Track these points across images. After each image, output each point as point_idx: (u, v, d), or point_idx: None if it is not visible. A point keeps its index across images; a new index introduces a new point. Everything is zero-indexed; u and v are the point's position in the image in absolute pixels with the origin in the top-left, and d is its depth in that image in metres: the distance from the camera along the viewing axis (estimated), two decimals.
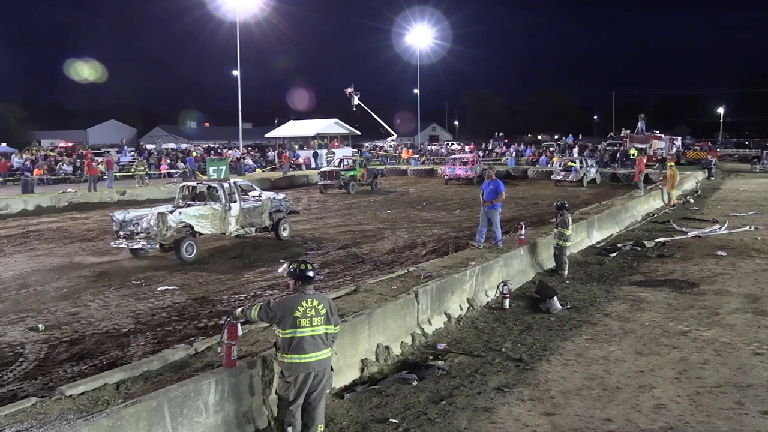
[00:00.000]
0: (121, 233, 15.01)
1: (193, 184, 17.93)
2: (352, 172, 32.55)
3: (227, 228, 16.29)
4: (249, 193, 17.81)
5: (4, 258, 15.70)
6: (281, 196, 18.65)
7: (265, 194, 18.19)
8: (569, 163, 36.35)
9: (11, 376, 7.80)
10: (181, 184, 18.16)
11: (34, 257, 15.74)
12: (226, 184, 16.59)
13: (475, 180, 33.81)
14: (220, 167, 18.28)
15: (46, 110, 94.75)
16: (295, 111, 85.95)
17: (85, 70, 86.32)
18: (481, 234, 13.74)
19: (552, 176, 36.17)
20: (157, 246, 14.83)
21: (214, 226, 15.89)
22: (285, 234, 17.71)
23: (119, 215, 15.25)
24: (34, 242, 18.01)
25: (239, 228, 16.64)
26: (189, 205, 16.20)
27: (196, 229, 15.34)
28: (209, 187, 16.85)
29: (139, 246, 14.89)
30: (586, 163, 36.48)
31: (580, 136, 70.85)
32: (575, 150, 52.95)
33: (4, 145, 51.71)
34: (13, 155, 44.15)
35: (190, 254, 14.81)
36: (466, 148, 65.35)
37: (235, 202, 16.48)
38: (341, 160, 37.06)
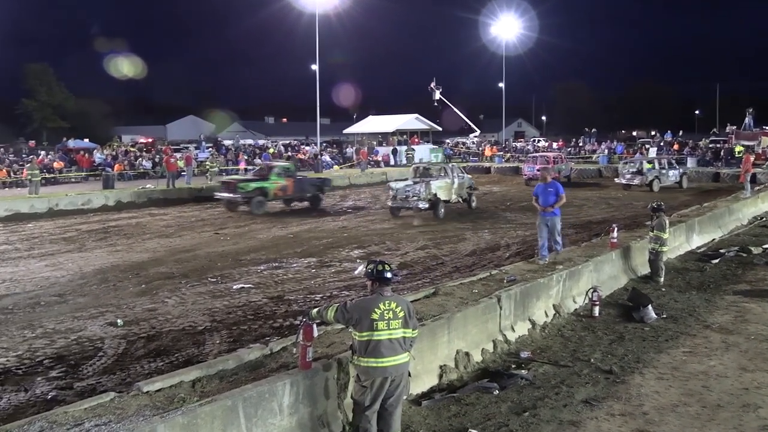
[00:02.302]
0: (398, 197, 21.99)
1: (424, 165, 26.11)
2: (258, 184, 24.19)
3: (451, 196, 22.91)
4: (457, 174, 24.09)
5: (85, 252, 16.50)
6: (470, 176, 25.76)
7: (465, 175, 24.98)
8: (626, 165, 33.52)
9: (90, 371, 8.19)
10: (414, 166, 26.76)
11: (114, 252, 16.47)
12: (450, 165, 24.74)
13: (560, 180, 32.24)
14: (437, 154, 33.97)
15: (127, 106, 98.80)
16: (374, 105, 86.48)
17: (143, 67, 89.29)
18: (544, 248, 12.70)
19: (617, 180, 32.85)
20: (427, 205, 21.52)
21: (446, 194, 22.56)
22: (474, 204, 24.55)
23: (393, 185, 22.65)
24: (114, 237, 18.85)
25: (455, 197, 23.18)
26: (433, 180, 22.71)
27: (438, 195, 21.99)
28: (436, 168, 24.76)
29: (413, 206, 21.59)
30: (660, 164, 32.55)
31: (681, 132, 68.27)
32: (652, 149, 49.94)
33: (86, 140, 54.26)
34: (95, 151, 46.28)
35: (442, 215, 21.90)
36: (554, 144, 64.19)
37: (455, 178, 23.26)
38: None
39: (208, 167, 37.83)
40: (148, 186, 30.73)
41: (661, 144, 56.51)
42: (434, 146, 56.11)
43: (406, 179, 24.17)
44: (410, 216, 22.42)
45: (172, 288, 12.52)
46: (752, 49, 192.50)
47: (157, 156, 43.29)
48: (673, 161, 35.03)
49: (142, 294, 12.08)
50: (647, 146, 53.80)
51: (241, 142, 62.43)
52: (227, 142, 62.08)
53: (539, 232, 12.94)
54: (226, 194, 24.42)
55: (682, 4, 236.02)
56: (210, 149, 52.72)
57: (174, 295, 11.94)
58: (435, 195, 21.93)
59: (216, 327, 9.97)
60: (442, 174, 23.72)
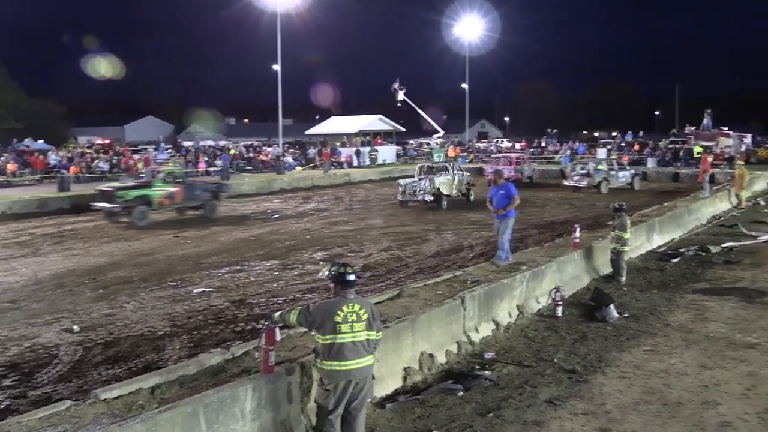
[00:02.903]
0: (406, 192, 25.08)
1: (429, 164, 28.96)
2: (140, 192, 21.99)
3: (452, 191, 25.87)
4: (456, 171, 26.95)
5: (40, 257, 16.18)
6: (468, 174, 28.13)
7: (464, 173, 27.59)
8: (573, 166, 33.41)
9: (46, 379, 8.03)
10: (419, 165, 29.40)
11: (70, 256, 16.18)
12: (451, 164, 28.59)
13: (522, 181, 32.44)
14: (440, 153, 35.87)
15: (83, 106, 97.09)
16: (326, 108, 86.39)
17: (117, 66, 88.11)
18: (503, 248, 12.37)
19: (566, 182, 32.34)
20: (431, 198, 24.51)
21: (448, 189, 25.48)
22: (472, 198, 26.72)
23: (402, 182, 25.89)
24: (70, 241, 18.51)
25: (455, 191, 26.10)
26: (436, 176, 25.60)
27: (441, 190, 24.95)
28: (439, 166, 27.78)
29: (419, 199, 24.72)
30: (609, 166, 32.10)
31: (641, 133, 69.50)
32: (601, 151, 49.22)
33: (41, 142, 53.15)
34: (50, 152, 45.37)
35: (445, 206, 24.59)
36: (517, 145, 64.83)
37: (455, 175, 26.35)
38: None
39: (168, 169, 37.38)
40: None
41: (622, 144, 57.52)
42: (399, 147, 56.35)
43: (412, 176, 27.20)
44: (374, 217, 22.54)
45: (131, 292, 12.34)
46: (712, 52, 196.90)
47: (115, 157, 42.62)
48: (624, 163, 35.30)
49: (99, 299, 11.89)
50: (608, 147, 54.60)
51: (202, 143, 61.76)
52: (187, 143, 61.44)
53: (497, 233, 12.73)
54: (103, 204, 21.88)
55: (644, 6, 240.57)
56: (169, 150, 52.11)
57: (133, 300, 11.77)
58: (438, 189, 25.01)
59: (176, 332, 9.86)
60: (444, 171, 26.71)
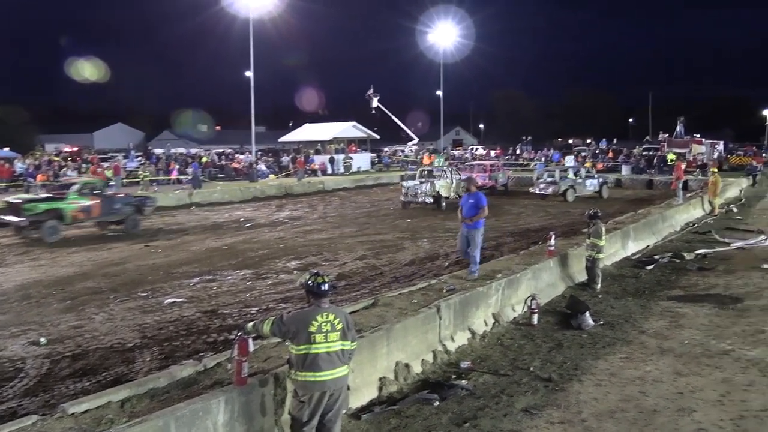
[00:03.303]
0: (409, 194, 27.28)
1: (429, 168, 31.82)
2: (51, 205, 20.20)
3: (450, 193, 27.65)
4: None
5: (5, 268, 15.91)
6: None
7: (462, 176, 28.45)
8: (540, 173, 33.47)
9: (11, 393, 7.88)
10: (420, 168, 32.84)
11: (37, 267, 15.93)
12: (449, 169, 31.14)
13: (496, 189, 32.77)
14: (440, 159, 42.21)
15: (50, 113, 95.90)
16: (310, 114, 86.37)
17: (90, 71, 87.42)
18: (464, 253, 12.18)
19: (532, 189, 32.04)
20: (431, 199, 26.69)
21: (446, 191, 27.51)
22: None
23: (405, 184, 28.26)
24: (36, 251, 18.22)
25: (453, 194, 27.42)
26: (436, 180, 27.82)
27: (440, 192, 27.14)
28: (438, 170, 30.11)
29: (421, 200, 26.78)
30: (576, 174, 31.86)
31: (615, 140, 70.34)
32: (569, 158, 49.46)
33: (6, 149, 52.47)
34: (16, 160, 44.74)
35: (444, 207, 26.29)
36: (492, 152, 65.25)
37: (453, 179, 28.38)
38: None
39: (140, 176, 37.05)
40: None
41: (597, 152, 58.11)
42: (373, 154, 56.45)
43: (414, 179, 29.14)
44: (349, 225, 22.53)
45: (100, 303, 12.17)
46: (684, 60, 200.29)
47: (83, 165, 42.13)
48: (593, 170, 35.26)
49: (67, 310, 11.70)
50: (582, 154, 55.14)
51: (173, 150, 61.32)
52: (158, 151, 60.97)
53: (459, 243, 12.36)
54: (10, 218, 19.96)
55: (618, 14, 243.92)
56: (140, 158, 51.65)
57: (102, 311, 11.60)
58: (438, 192, 27.20)
59: (146, 344, 9.74)
60: (444, 175, 28.94)
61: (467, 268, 11.83)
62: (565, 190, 30.36)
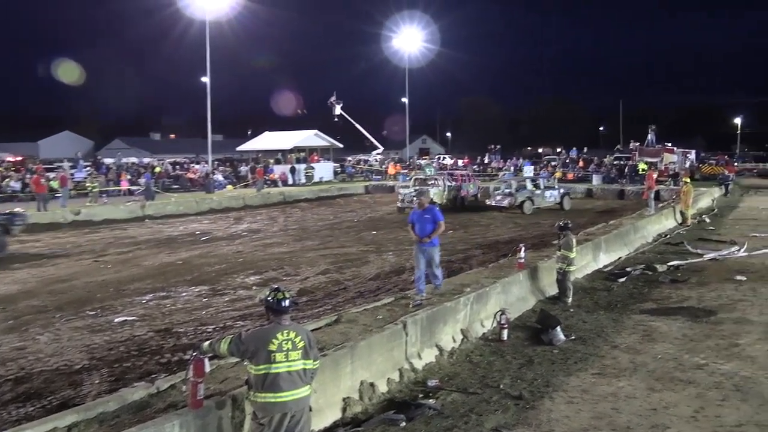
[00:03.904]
0: (405, 200, 29.22)
1: (422, 176, 34.04)
2: None
3: (443, 200, 30.28)
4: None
5: None
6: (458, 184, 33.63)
7: (453, 184, 33.01)
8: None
9: None
10: (413, 177, 35.55)
11: None
12: (442, 177, 33.66)
13: (465, 200, 33.02)
14: (431, 167, 40.44)
15: None
16: (271, 121, 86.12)
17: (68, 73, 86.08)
18: (421, 280, 11.59)
19: (488, 201, 31.80)
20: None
21: (439, 198, 29.84)
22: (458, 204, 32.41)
23: (401, 191, 31.45)
24: None
25: (445, 200, 30.72)
26: (430, 188, 29.32)
27: (434, 199, 25.61)
28: (432, 178, 33.32)
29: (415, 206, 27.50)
30: (535, 184, 31.48)
31: (585, 149, 71.38)
32: (527, 168, 49.69)
33: None
34: None
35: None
36: (460, 161, 65.72)
37: (446, 186, 31.96)
38: None
39: (89, 188, 36.51)
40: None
41: (567, 161, 58.87)
42: (336, 164, 56.46)
43: (408, 187, 31.79)
44: (311, 238, 22.52)
45: (45, 323, 11.95)
46: (655, 68, 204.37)
47: (28, 176, 41.39)
48: (554, 180, 35.30)
49: (9, 330, 11.47)
50: (552, 163, 55.81)
51: (124, 160, 60.61)
52: (108, 161, 60.19)
53: (416, 263, 11.73)
54: None
55: (584, 20, 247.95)
56: (88, 168, 50.92)
57: (47, 331, 11.39)
58: (431, 199, 26.12)
59: (95, 365, 9.58)
60: (436, 183, 32.03)
61: (432, 283, 11.69)
62: (522, 202, 30.16)
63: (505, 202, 30.49)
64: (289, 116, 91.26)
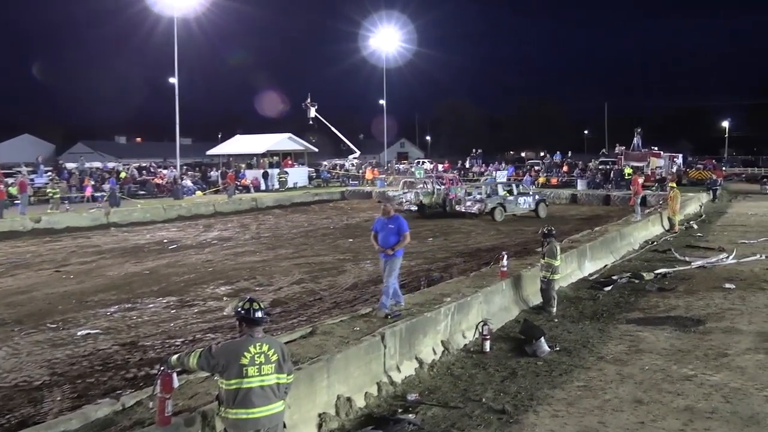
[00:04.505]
0: (395, 202, 30.30)
1: (411, 180, 37.84)
2: None
3: (432, 202, 32.27)
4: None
5: None
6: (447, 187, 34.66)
7: (443, 187, 34.17)
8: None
9: None
10: (402, 180, 38.73)
11: None
12: (432, 179, 35.86)
13: (454, 204, 32.55)
14: (420, 170, 45.16)
15: None
16: (243, 124, 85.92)
17: None
18: (396, 294, 11.25)
19: (457, 207, 31.44)
20: (416, 207, 31.80)
21: (429, 200, 32.25)
22: (448, 208, 32.16)
23: (392, 194, 34.26)
24: None
25: (434, 203, 32.31)
26: (420, 190, 32.86)
27: (423, 201, 32.09)
28: (421, 181, 36.22)
29: (405, 208, 30.54)
30: (507, 190, 31.53)
31: (570, 153, 71.90)
32: (500, 173, 48.90)
33: None
34: None
35: (427, 214, 31.68)
36: (440, 166, 65.87)
37: (435, 189, 33.23)
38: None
39: (50, 194, 36.11)
40: None
41: (551, 165, 59.20)
42: (311, 169, 56.41)
43: (398, 190, 34.93)
44: (285, 246, 22.45)
45: (3, 337, 11.81)
46: (640, 70, 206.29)
47: None
48: (529, 186, 35.47)
49: None
50: (536, 168, 56.07)
51: (87, 165, 60.05)
52: (70, 165, 59.60)
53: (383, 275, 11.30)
54: None
55: (568, 20, 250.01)
56: (49, 173, 50.38)
57: (5, 346, 11.27)
58: (421, 201, 32.08)
59: (56, 381, 9.49)
60: (426, 187, 33.72)
61: (380, 301, 11.01)
62: (493, 209, 30.00)
63: (475, 209, 30.36)
64: (263, 118, 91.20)
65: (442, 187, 34.15)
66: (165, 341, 11.45)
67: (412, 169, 51.67)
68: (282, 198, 42.13)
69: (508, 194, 31.20)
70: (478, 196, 31.25)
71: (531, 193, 32.93)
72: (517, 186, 33.41)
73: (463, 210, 30.87)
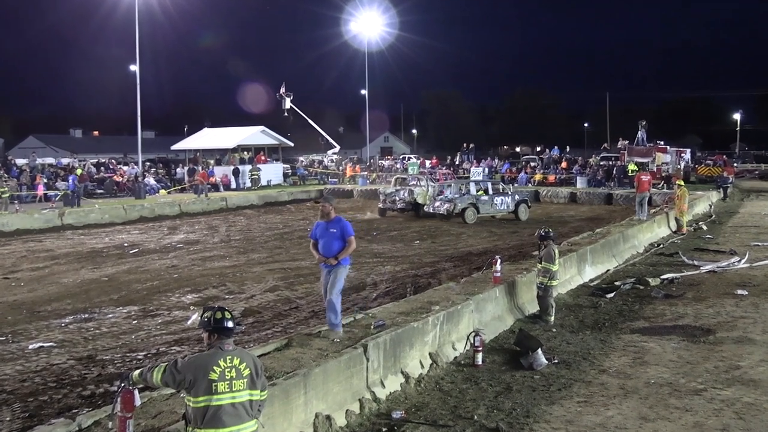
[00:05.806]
0: (387, 201, 33.10)
1: (403, 176, 38.44)
2: None
3: (426, 200, 31.75)
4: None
5: None
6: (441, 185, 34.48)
7: (435, 185, 34.03)
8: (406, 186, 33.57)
9: None
10: (395, 177, 38.97)
11: None
12: (425, 177, 36.61)
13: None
14: (414, 166, 50.91)
15: None
16: (211, 116, 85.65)
17: None
18: (334, 309, 10.16)
19: (426, 207, 31.19)
20: (410, 207, 32.18)
21: (423, 199, 31.93)
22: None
23: (383, 191, 36.18)
24: None
25: (428, 201, 31.60)
26: (413, 188, 33.00)
27: (417, 200, 32.12)
28: (414, 178, 36.57)
29: (399, 207, 32.44)
30: (482, 189, 31.25)
31: (568, 148, 72.15)
32: (476, 170, 48.16)
33: None
34: None
35: (422, 214, 31.49)
36: (427, 162, 65.95)
37: (429, 187, 33.09)
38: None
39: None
40: None
41: (548, 161, 59.36)
42: (286, 165, 56.29)
43: (392, 187, 35.23)
44: (258, 250, 22.40)
45: None
46: (644, 59, 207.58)
47: None
48: (508, 186, 34.93)
49: None
50: (532, 164, 56.18)
51: (39, 161, 59.65)
52: (20, 161, 59.21)
53: (323, 288, 10.40)
54: None
55: (567, 6, 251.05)
56: None
57: None
58: (414, 199, 32.24)
59: (5, 399, 9.42)
60: (420, 183, 33.91)
61: (328, 319, 10.17)
62: (464, 209, 29.65)
63: (443, 209, 29.90)
64: (233, 109, 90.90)
65: (436, 184, 34.33)
66: (125, 355, 11.39)
67: (406, 165, 53.94)
68: (254, 197, 42.06)
69: (483, 194, 30.80)
70: (450, 196, 30.83)
71: (510, 192, 32.18)
72: (495, 184, 33.14)
73: (431, 210, 30.50)
